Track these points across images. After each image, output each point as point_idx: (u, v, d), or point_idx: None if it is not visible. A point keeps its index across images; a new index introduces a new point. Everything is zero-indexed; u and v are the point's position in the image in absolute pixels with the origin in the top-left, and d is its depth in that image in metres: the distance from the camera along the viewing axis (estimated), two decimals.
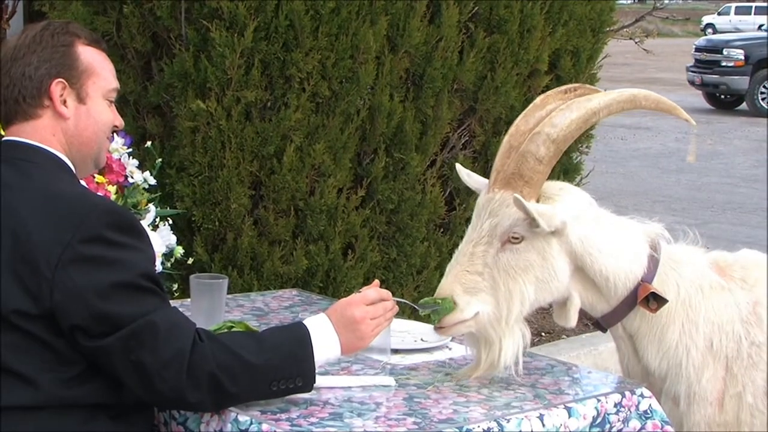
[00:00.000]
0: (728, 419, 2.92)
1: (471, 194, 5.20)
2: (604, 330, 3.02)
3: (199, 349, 2.38)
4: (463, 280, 2.71)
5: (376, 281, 2.72)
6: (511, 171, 2.72)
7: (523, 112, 2.85)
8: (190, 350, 2.37)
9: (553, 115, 2.75)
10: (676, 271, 2.94)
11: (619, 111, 2.83)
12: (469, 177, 2.96)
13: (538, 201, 2.74)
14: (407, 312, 3.75)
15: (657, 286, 2.88)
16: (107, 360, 2.38)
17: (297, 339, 2.52)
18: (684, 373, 2.93)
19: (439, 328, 2.76)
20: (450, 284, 2.71)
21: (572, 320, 2.86)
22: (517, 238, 2.72)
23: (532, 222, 2.69)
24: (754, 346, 2.93)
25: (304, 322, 2.57)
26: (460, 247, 2.77)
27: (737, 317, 2.94)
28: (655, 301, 2.87)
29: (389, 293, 2.67)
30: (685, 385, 2.93)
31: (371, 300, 2.62)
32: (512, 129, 2.81)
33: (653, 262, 2.91)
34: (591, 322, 3.09)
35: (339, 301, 2.65)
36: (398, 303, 2.73)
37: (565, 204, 2.77)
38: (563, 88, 2.91)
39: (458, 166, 3.02)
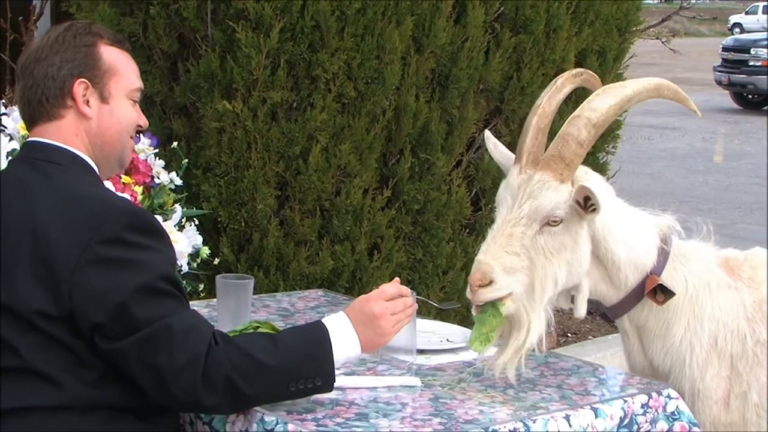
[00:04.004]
0: (734, 419, 2.93)
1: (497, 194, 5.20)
2: (610, 321, 3.04)
3: (214, 353, 2.37)
4: (503, 260, 2.70)
5: (397, 279, 2.70)
6: (551, 153, 2.75)
7: (546, 94, 2.87)
8: (205, 354, 2.36)
9: (591, 99, 2.79)
10: (685, 266, 2.96)
11: (646, 99, 2.90)
12: (495, 147, 3.00)
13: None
14: (433, 312, 3.75)
15: (665, 279, 2.89)
16: (124, 363, 2.38)
17: (315, 338, 2.50)
18: (687, 371, 2.94)
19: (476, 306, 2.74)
20: (489, 262, 2.69)
21: (582, 310, 2.87)
22: (556, 221, 2.74)
23: (589, 207, 2.71)
24: (759, 344, 2.94)
25: (323, 320, 2.56)
26: (495, 226, 2.76)
27: (742, 315, 2.95)
28: (663, 293, 2.89)
29: (408, 289, 2.65)
30: (689, 383, 2.94)
31: (390, 295, 2.60)
32: (539, 110, 2.83)
33: (663, 255, 2.93)
34: (598, 314, 3.09)
35: (358, 298, 2.63)
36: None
37: (596, 187, 2.78)
38: (573, 71, 2.97)
39: (487, 133, 3.06)
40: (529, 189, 2.74)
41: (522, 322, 2.73)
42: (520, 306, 2.72)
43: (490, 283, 2.68)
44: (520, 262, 2.71)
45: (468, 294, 2.72)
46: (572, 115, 2.77)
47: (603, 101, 2.79)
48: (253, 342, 2.46)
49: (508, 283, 2.69)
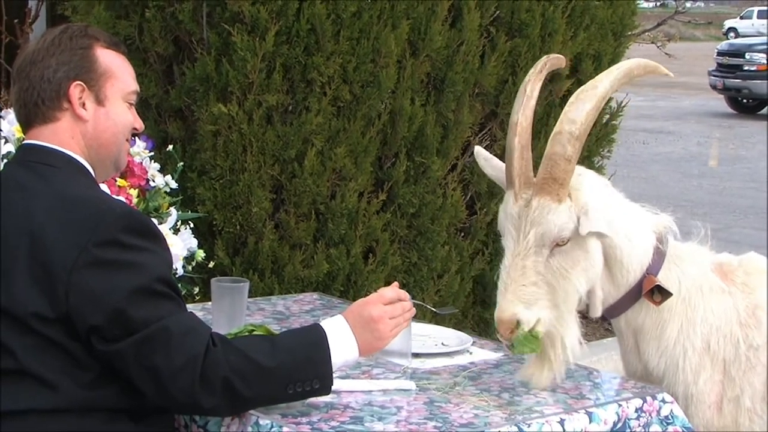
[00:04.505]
0: (727, 423, 2.93)
1: (492, 198, 5.20)
2: (605, 320, 3.04)
3: (212, 354, 2.37)
4: (522, 296, 2.70)
5: (396, 283, 2.70)
6: (543, 177, 2.72)
7: (520, 108, 2.80)
8: (203, 356, 2.36)
9: (567, 110, 2.75)
10: (679, 268, 2.96)
11: (621, 87, 2.87)
12: (486, 162, 2.97)
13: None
14: (428, 316, 3.75)
15: (660, 280, 2.89)
16: (122, 365, 2.38)
17: (313, 341, 2.50)
18: (681, 375, 2.94)
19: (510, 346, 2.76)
20: (510, 304, 2.70)
21: (598, 310, 2.90)
22: (564, 241, 2.73)
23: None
24: (752, 350, 2.94)
25: (321, 323, 2.56)
26: (506, 260, 2.75)
27: (735, 320, 2.96)
28: (660, 294, 2.89)
29: (407, 294, 2.65)
30: (682, 387, 2.94)
31: (388, 299, 2.60)
32: (517, 128, 2.78)
33: (659, 255, 2.93)
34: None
35: (356, 302, 2.63)
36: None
37: (592, 193, 2.78)
38: (537, 67, 2.87)
39: (477, 149, 3.02)
40: (530, 217, 2.72)
41: (555, 339, 2.75)
42: (551, 327, 2.73)
43: (517, 324, 2.70)
44: (539, 290, 2.71)
45: (499, 337, 2.74)
46: (554, 132, 2.73)
47: (580, 110, 2.73)
48: (251, 344, 2.46)
49: (533, 315, 2.70)
